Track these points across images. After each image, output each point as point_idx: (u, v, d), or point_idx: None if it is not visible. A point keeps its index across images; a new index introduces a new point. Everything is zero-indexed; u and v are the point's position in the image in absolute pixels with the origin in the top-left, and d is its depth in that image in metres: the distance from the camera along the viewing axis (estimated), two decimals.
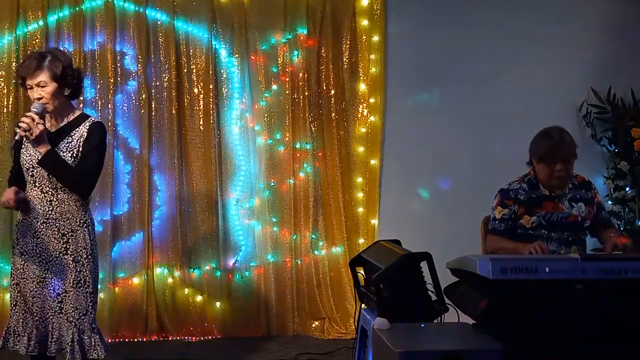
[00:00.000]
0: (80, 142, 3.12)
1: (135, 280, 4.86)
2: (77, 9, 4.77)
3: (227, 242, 4.97)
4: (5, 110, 4.73)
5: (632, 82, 5.24)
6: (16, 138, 2.99)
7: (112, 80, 4.81)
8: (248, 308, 4.96)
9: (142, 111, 4.87)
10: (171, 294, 4.89)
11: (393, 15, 5.14)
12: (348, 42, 5.10)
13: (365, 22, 5.12)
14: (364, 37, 5.12)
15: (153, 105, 4.89)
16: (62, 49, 4.62)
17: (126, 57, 4.87)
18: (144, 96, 4.86)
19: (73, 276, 3.10)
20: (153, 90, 4.90)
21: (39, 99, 3.06)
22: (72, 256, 3.11)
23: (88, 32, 4.80)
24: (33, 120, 2.97)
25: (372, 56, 5.12)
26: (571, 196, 3.55)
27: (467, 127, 5.14)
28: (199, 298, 4.92)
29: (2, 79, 4.75)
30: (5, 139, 4.71)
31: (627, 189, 5.15)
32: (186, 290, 4.92)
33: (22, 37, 4.74)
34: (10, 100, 4.72)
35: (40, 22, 4.75)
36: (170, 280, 4.91)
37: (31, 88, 3.09)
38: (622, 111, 5.20)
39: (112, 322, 4.72)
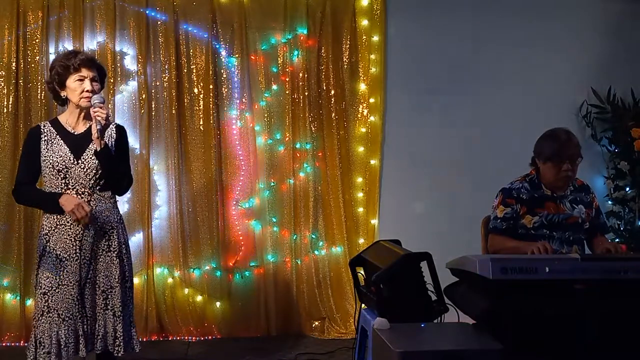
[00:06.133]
0: (111, 142, 3.18)
1: (135, 280, 4.84)
2: (77, 8, 4.77)
3: (227, 242, 4.97)
4: (5, 111, 4.73)
5: (632, 82, 5.25)
6: (98, 127, 3.02)
7: (112, 80, 4.81)
8: (248, 308, 4.96)
9: (142, 111, 4.87)
10: (171, 294, 4.89)
11: (393, 15, 5.14)
12: (348, 42, 5.10)
13: (365, 22, 5.12)
14: (364, 37, 5.12)
15: (153, 105, 4.89)
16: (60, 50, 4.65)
17: (126, 57, 4.87)
18: (144, 96, 4.86)
19: (118, 272, 3.14)
20: (153, 90, 4.90)
21: (91, 91, 3.10)
22: (115, 252, 3.15)
23: (88, 32, 4.80)
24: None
25: (372, 56, 5.12)
26: (572, 198, 3.56)
27: (467, 127, 5.14)
28: (199, 298, 4.92)
29: (2, 79, 4.75)
30: (5, 139, 4.71)
31: (627, 189, 5.15)
32: (186, 290, 4.92)
33: (22, 37, 4.74)
34: (10, 100, 4.71)
35: (40, 22, 4.75)
36: (170, 280, 4.91)
37: (82, 80, 3.10)
38: (622, 111, 5.21)
39: None
